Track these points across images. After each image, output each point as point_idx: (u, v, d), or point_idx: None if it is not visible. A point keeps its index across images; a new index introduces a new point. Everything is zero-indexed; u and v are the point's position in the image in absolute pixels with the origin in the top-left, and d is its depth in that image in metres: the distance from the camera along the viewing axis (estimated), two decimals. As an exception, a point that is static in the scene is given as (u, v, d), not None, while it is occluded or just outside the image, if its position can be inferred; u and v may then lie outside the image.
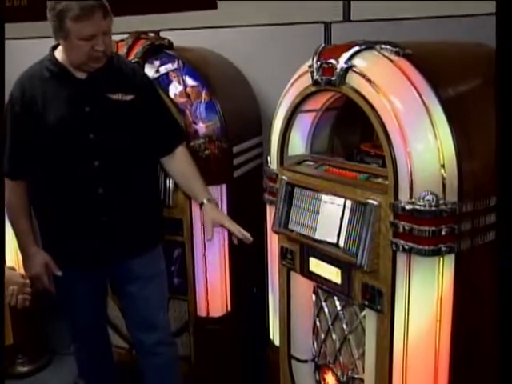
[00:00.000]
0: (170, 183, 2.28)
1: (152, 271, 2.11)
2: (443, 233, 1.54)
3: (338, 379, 2.00)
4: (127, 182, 2.00)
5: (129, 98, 1.95)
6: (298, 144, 2.03)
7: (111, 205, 1.98)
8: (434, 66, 1.65)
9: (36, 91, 1.91)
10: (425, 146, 1.54)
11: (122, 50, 2.30)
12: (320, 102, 1.97)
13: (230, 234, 2.14)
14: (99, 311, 2.24)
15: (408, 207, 1.55)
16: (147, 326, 2.14)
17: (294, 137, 2.00)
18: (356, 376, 1.93)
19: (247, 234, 2.08)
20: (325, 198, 1.82)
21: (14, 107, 1.92)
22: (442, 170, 1.52)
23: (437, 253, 1.54)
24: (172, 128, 2.14)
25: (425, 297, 1.59)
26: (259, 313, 2.38)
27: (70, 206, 1.97)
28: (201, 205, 2.13)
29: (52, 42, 1.93)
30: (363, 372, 1.87)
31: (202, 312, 2.42)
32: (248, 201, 2.32)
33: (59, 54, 1.92)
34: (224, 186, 2.32)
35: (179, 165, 2.13)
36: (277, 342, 2.18)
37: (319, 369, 2.09)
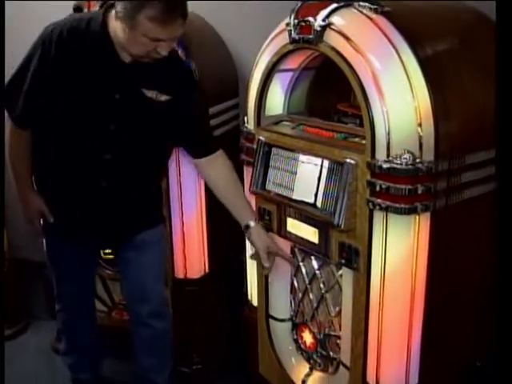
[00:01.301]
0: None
1: (149, 239, 2.06)
2: (419, 191, 1.55)
3: (314, 337, 2.04)
4: (136, 178, 1.92)
5: (163, 98, 1.82)
6: (275, 104, 2.01)
7: (115, 197, 1.91)
8: (413, 24, 1.64)
9: (73, 50, 1.74)
10: (402, 105, 1.54)
11: (95, 9, 2.23)
12: (297, 61, 1.95)
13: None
14: (89, 276, 2.22)
15: (385, 166, 1.55)
16: (141, 296, 2.11)
17: (271, 97, 1.98)
18: (333, 333, 1.97)
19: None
20: (302, 157, 1.81)
21: (44, 51, 1.74)
22: (419, 129, 1.53)
23: (413, 211, 1.56)
24: (205, 135, 2.04)
25: (401, 255, 1.61)
26: (237, 273, 2.39)
27: (74, 199, 1.91)
28: (246, 226, 1.98)
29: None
30: (340, 329, 1.91)
31: (179, 274, 2.43)
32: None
33: (112, 24, 1.71)
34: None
35: (220, 177, 2.00)
36: (255, 302, 2.20)
37: (296, 327, 2.12)
